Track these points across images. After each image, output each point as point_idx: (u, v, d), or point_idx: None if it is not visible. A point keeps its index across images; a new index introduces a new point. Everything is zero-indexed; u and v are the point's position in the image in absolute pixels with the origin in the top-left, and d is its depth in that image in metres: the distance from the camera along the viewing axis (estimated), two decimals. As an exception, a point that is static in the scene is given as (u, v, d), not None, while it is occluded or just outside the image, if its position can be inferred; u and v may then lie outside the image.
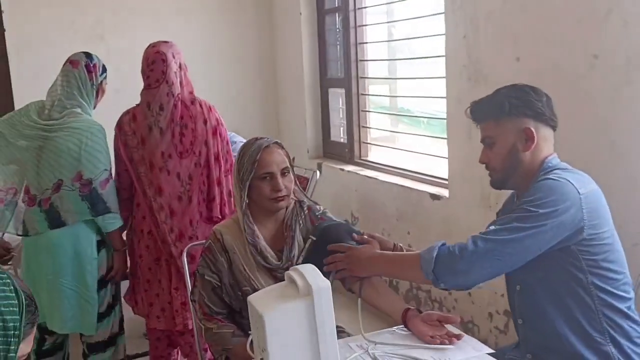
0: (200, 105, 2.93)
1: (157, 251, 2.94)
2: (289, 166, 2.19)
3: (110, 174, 2.93)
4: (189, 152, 2.89)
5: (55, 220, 2.85)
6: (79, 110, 2.91)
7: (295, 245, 2.22)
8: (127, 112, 2.94)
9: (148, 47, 2.94)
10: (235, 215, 2.24)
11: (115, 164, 2.97)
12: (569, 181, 1.88)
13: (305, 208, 2.29)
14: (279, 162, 2.16)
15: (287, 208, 2.25)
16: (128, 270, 3.05)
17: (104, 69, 3.04)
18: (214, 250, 2.19)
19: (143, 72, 2.91)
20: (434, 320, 1.96)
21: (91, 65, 2.96)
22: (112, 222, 2.92)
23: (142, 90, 2.91)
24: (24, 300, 1.09)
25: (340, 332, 2.32)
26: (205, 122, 2.91)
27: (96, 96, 3.01)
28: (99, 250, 2.95)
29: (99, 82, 3.01)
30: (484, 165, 2.07)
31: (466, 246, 1.85)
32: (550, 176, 1.91)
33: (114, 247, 2.99)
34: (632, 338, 1.91)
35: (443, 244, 1.91)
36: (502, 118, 1.97)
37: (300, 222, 2.26)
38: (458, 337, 1.93)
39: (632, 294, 1.97)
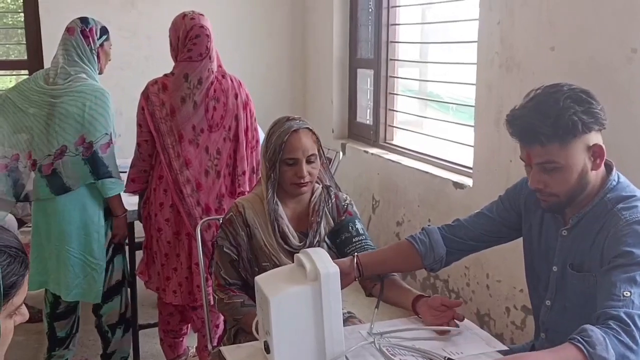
0: (231, 80, 2.90)
1: (177, 225, 2.87)
2: (316, 153, 2.13)
3: (111, 139, 2.90)
4: (219, 126, 2.84)
5: (58, 186, 2.84)
6: (83, 75, 2.90)
7: (321, 230, 2.19)
8: (155, 81, 2.83)
9: (184, 17, 2.83)
10: (258, 190, 2.21)
11: (137, 134, 2.89)
12: None
13: (332, 195, 2.26)
14: (305, 148, 2.10)
15: (313, 192, 2.22)
16: (143, 245, 3.02)
17: (104, 31, 3.00)
18: (235, 223, 2.14)
19: (181, 43, 2.81)
20: (438, 305, 1.93)
21: (87, 30, 2.93)
22: (113, 187, 2.91)
23: (179, 61, 2.82)
24: None
25: (352, 318, 2.29)
26: (236, 96, 2.87)
27: (98, 60, 2.98)
28: (107, 218, 2.96)
29: (98, 45, 2.97)
30: (536, 189, 1.76)
31: (632, 330, 1.51)
32: None
33: (114, 214, 2.98)
34: None
35: (603, 332, 1.51)
36: (571, 139, 1.66)
37: (327, 210, 2.23)
38: (459, 318, 1.90)
39: None
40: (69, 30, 2.94)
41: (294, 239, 2.15)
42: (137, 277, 3.14)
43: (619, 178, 1.78)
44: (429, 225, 2.14)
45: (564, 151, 1.67)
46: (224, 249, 2.14)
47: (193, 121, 2.80)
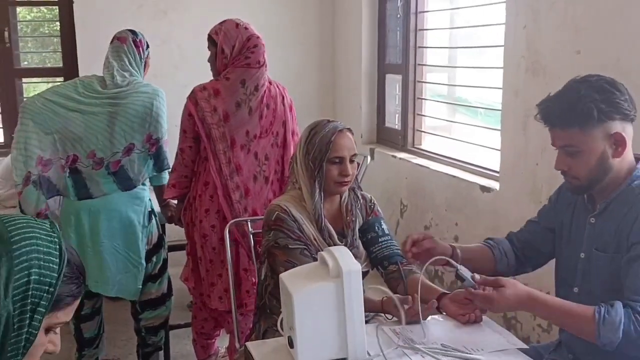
0: (277, 86, 2.96)
1: (223, 231, 2.80)
2: (357, 153, 2.23)
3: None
4: (268, 132, 2.90)
5: (125, 182, 2.96)
6: (139, 79, 3.04)
7: (356, 229, 2.26)
8: (203, 87, 2.85)
9: (237, 27, 2.87)
10: (293, 193, 2.25)
11: (181, 140, 2.94)
12: None
13: (359, 195, 2.34)
14: (350, 147, 2.20)
15: (342, 193, 2.29)
16: (187, 251, 3.09)
17: (148, 45, 3.16)
18: (286, 221, 2.17)
19: (236, 51, 2.85)
20: (462, 299, 2.00)
21: (137, 40, 3.09)
22: (166, 176, 3.09)
23: (236, 67, 2.85)
24: (65, 260, 1.10)
25: (377, 316, 2.33)
26: (283, 102, 2.94)
27: (144, 69, 3.14)
28: (149, 221, 3.07)
29: (145, 56, 3.14)
30: (561, 171, 1.89)
31: None
32: None
33: (165, 197, 3.10)
34: None
35: (626, 315, 1.67)
36: (589, 126, 1.76)
37: (358, 210, 2.31)
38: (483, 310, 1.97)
39: None
40: (120, 39, 3.07)
41: (335, 238, 2.21)
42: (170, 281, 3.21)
43: None
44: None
45: (583, 136, 1.77)
46: (290, 247, 2.15)
47: (247, 127, 2.85)
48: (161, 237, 3.16)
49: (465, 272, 1.86)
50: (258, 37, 2.89)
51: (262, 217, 2.73)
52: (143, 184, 3.04)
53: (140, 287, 3.06)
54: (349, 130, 2.22)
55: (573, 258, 1.96)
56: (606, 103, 1.75)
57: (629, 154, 1.83)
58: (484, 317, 1.98)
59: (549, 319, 1.94)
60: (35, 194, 2.88)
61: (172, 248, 3.39)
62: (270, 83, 2.93)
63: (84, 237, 2.96)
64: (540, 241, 2.13)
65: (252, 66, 2.84)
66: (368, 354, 1.70)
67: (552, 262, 2.12)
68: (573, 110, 1.76)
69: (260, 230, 2.46)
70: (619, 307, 1.69)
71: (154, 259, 3.11)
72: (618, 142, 1.78)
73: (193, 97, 2.86)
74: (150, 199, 3.09)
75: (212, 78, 2.97)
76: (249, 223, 2.69)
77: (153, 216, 3.10)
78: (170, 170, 3.04)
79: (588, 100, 1.75)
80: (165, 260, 3.18)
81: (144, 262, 3.03)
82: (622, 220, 1.81)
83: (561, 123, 1.80)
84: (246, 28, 2.90)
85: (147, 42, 3.15)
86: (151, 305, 3.16)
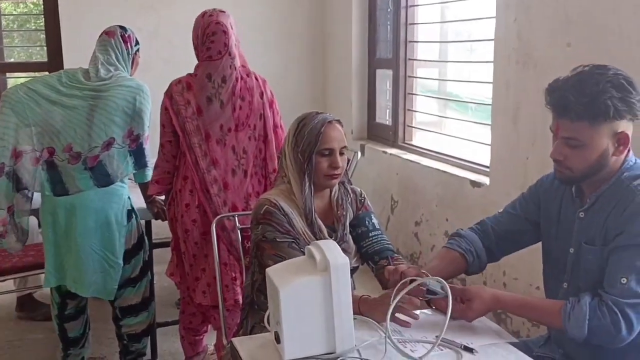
0: (256, 78, 2.89)
1: (204, 225, 2.83)
2: (346, 145, 2.18)
3: (148, 132, 2.99)
4: (244, 125, 2.84)
5: (102, 179, 2.89)
6: (123, 73, 2.98)
7: (347, 223, 2.22)
8: (178, 81, 2.83)
9: (203, 15, 2.83)
10: (282, 187, 2.20)
11: (161, 135, 2.89)
12: None
13: (349, 189, 2.30)
14: (339, 139, 2.14)
15: (332, 187, 2.25)
16: (171, 246, 3.03)
17: (137, 42, 3.11)
18: (275, 214, 2.11)
19: (200, 42, 2.81)
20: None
21: (126, 35, 3.04)
22: (149, 173, 3.02)
23: (201, 61, 2.82)
24: None
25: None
26: (261, 94, 2.87)
27: (131, 66, 3.08)
28: (128, 220, 2.99)
29: (134, 52, 3.08)
30: (555, 160, 1.84)
31: (619, 319, 1.70)
32: None
33: (149, 194, 3.03)
34: None
35: (591, 309, 1.73)
36: (600, 122, 1.72)
37: (348, 204, 2.26)
38: None
39: None
40: (108, 33, 3.03)
41: (325, 233, 2.16)
42: (154, 276, 3.16)
43: (635, 160, 1.84)
44: (461, 229, 2.18)
45: (590, 131, 1.73)
46: (278, 240, 2.09)
47: (221, 120, 2.80)
48: (142, 238, 3.08)
49: (434, 286, 1.84)
50: (217, 23, 2.78)
51: (246, 212, 2.73)
52: (122, 181, 2.96)
53: (116, 287, 2.98)
54: (339, 121, 2.17)
55: (562, 253, 1.94)
56: (622, 102, 1.71)
57: (626, 152, 1.81)
58: None
59: (518, 315, 1.97)
60: (8, 186, 2.82)
61: (160, 245, 3.34)
62: (247, 75, 2.86)
63: (60, 235, 2.91)
64: (520, 232, 2.10)
65: (214, 58, 2.78)
66: (356, 348, 1.67)
67: (540, 257, 2.10)
68: (590, 104, 1.70)
69: (245, 226, 2.41)
70: (584, 301, 1.74)
71: (133, 261, 3.03)
72: (621, 141, 1.76)
73: (169, 91, 2.84)
74: (129, 197, 3.01)
75: None
76: (236, 218, 2.65)
77: (133, 215, 3.02)
78: (150, 167, 2.98)
79: (607, 97, 1.69)
80: (146, 263, 3.11)
81: (121, 261, 2.96)
82: (611, 212, 1.80)
83: (574, 115, 1.73)
84: (210, 15, 2.81)
85: (137, 39, 3.09)
86: (132, 311, 3.09)
